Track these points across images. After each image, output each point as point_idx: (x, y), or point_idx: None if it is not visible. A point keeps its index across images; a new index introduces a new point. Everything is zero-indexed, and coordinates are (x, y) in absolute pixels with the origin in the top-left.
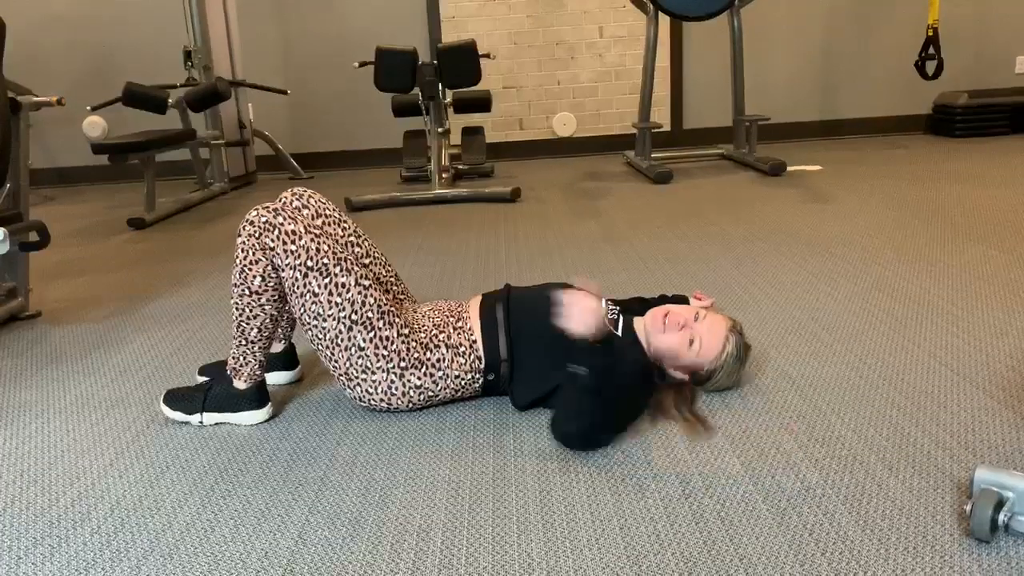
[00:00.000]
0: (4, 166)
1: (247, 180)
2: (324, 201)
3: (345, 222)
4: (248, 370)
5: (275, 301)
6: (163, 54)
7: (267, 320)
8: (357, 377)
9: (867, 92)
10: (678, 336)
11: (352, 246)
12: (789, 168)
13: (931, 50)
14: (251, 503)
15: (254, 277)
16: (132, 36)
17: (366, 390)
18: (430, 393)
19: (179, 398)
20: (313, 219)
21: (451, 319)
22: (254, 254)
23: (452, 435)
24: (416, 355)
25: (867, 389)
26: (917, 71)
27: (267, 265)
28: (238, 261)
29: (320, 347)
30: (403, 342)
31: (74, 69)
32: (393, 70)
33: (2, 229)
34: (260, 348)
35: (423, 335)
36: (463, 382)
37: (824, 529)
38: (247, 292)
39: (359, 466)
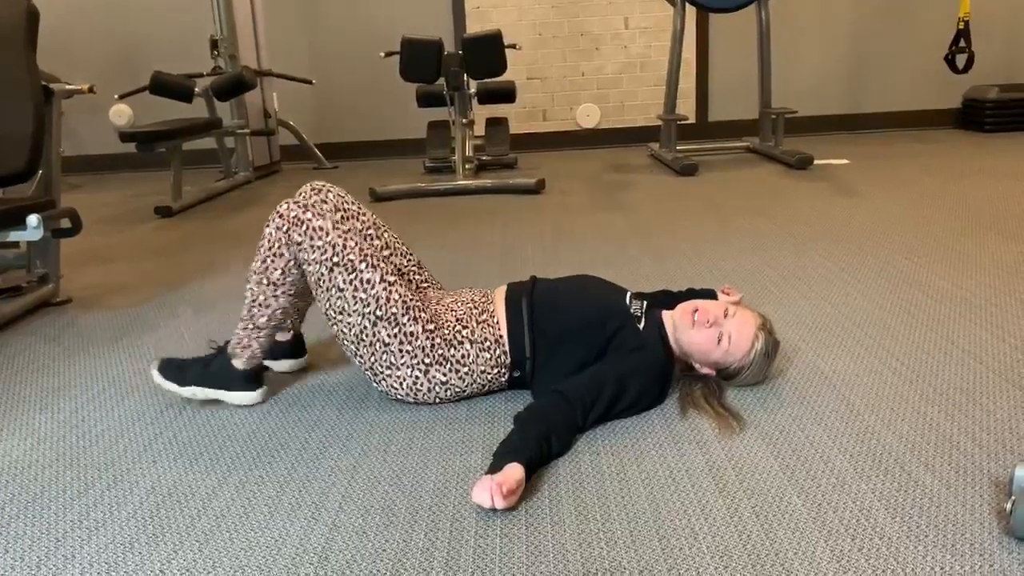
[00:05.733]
0: (37, 154)
1: (272, 169)
2: (343, 194)
3: (364, 215)
4: (249, 353)
5: (290, 295)
6: (190, 43)
7: (278, 311)
8: (382, 372)
9: (896, 86)
10: (707, 333)
11: (371, 238)
12: (816, 162)
13: (962, 43)
14: (285, 490)
15: (275, 269)
16: (159, 25)
17: (392, 385)
18: (457, 389)
19: (173, 367)
20: (332, 213)
21: (475, 311)
22: (279, 247)
23: (483, 426)
24: (440, 351)
25: (901, 385)
26: (947, 65)
27: (290, 260)
28: (262, 250)
29: (345, 342)
30: (428, 338)
31: (101, 58)
32: (419, 60)
33: (36, 216)
34: (265, 335)
35: (446, 331)
36: (489, 376)
37: (861, 525)
38: (265, 282)
39: (391, 455)
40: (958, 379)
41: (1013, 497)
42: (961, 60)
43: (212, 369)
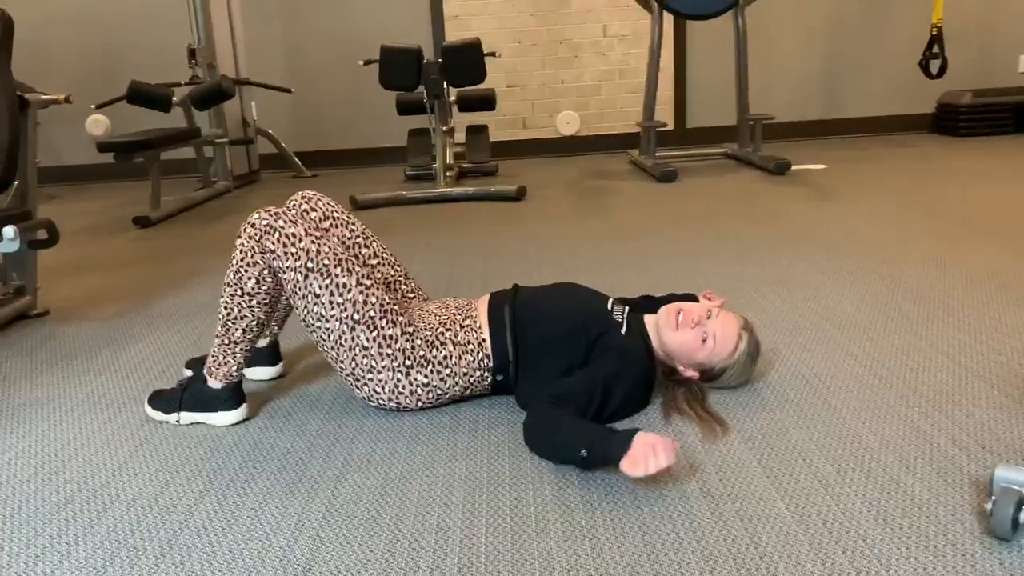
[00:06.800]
0: (13, 164)
1: (251, 178)
2: (332, 204)
3: (353, 224)
4: (225, 370)
5: (265, 305)
6: (167, 52)
7: (253, 322)
8: (363, 377)
9: (871, 91)
10: (692, 333)
11: (359, 247)
12: (794, 167)
13: (935, 49)
14: (268, 501)
15: (249, 279)
16: (136, 34)
17: (373, 390)
18: (439, 391)
19: (160, 397)
20: (320, 221)
21: (458, 316)
22: (252, 256)
23: (466, 434)
24: (421, 353)
25: (881, 387)
26: (921, 70)
27: (264, 268)
28: (235, 261)
29: (325, 348)
30: (407, 340)
31: (78, 67)
32: (398, 68)
33: (12, 227)
34: (241, 350)
35: (428, 333)
36: (471, 379)
37: (844, 527)
38: (239, 292)
39: (375, 464)
40: (936, 380)
41: (993, 497)
42: (935, 66)
43: (190, 392)
